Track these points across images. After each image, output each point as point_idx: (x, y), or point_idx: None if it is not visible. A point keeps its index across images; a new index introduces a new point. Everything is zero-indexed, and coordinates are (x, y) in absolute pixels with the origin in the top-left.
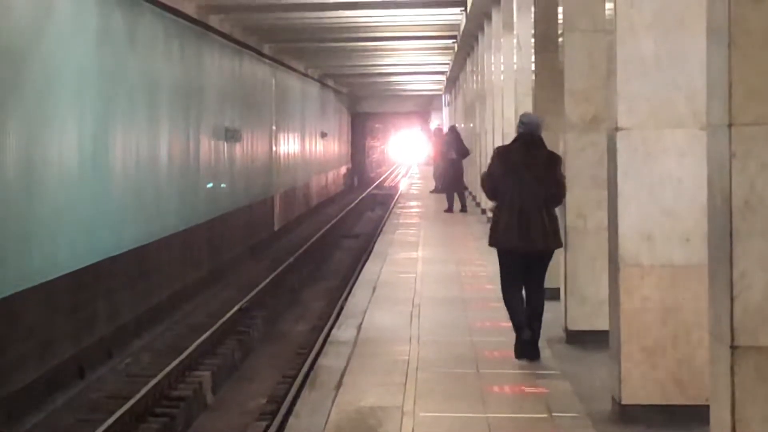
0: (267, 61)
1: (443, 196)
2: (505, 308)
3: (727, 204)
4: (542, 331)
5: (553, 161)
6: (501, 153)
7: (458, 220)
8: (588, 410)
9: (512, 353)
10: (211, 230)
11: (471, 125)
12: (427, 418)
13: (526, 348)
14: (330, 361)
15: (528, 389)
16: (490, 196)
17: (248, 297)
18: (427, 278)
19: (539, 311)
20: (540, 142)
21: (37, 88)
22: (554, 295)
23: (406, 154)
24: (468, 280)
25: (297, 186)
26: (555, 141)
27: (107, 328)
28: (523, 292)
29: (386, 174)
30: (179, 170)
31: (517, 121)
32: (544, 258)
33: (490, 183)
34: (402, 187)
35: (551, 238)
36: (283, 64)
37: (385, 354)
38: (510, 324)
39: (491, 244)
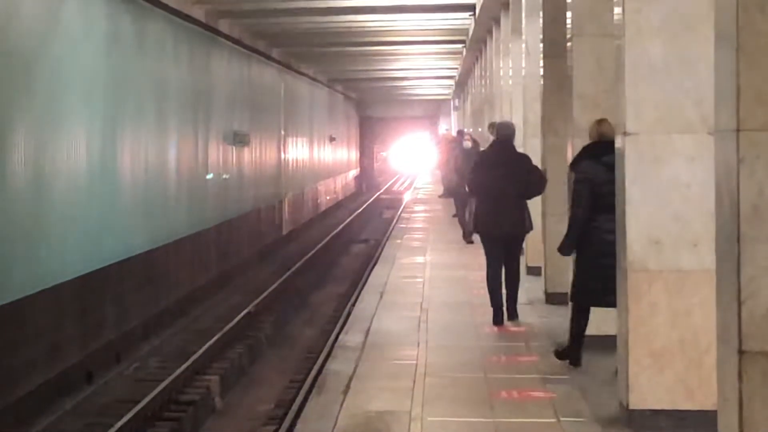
0: (276, 65)
1: (451, 201)
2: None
3: (735, 209)
4: (550, 335)
5: (523, 160)
6: (482, 156)
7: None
8: (596, 415)
9: (520, 358)
10: (218, 235)
11: (479, 130)
12: (434, 422)
13: (501, 317)
14: (338, 365)
15: (536, 394)
16: (474, 192)
17: (256, 301)
18: (434, 283)
19: (516, 281)
20: (512, 146)
21: (46, 92)
22: (563, 299)
23: (413, 162)
24: (476, 285)
25: (305, 190)
26: (563, 146)
27: (115, 332)
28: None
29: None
30: (187, 174)
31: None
32: (516, 240)
33: (474, 181)
34: (406, 200)
35: (520, 224)
36: (291, 68)
37: (392, 359)
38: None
39: (475, 230)
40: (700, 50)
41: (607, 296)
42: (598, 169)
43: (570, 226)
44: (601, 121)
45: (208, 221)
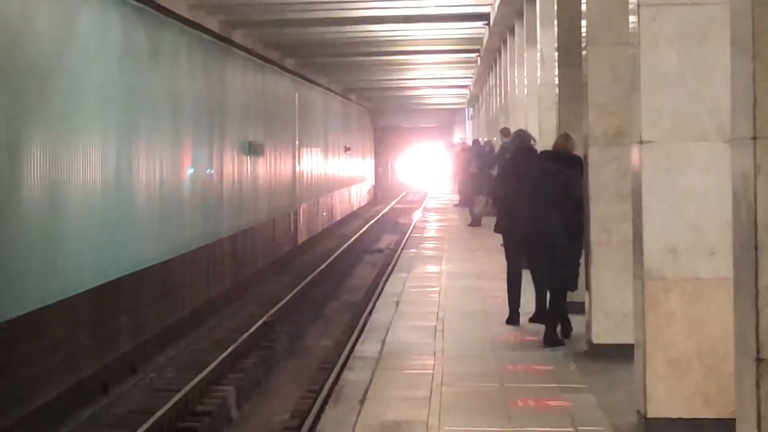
0: (290, 75)
1: (467, 210)
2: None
3: (751, 217)
4: (567, 344)
5: None
6: (510, 162)
7: (481, 234)
8: (613, 424)
9: (536, 366)
10: (234, 245)
11: (495, 139)
12: None
13: (516, 319)
14: (354, 375)
15: (552, 403)
16: (500, 197)
17: (271, 312)
18: (450, 292)
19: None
20: (535, 151)
21: (61, 104)
22: (579, 308)
23: (424, 174)
24: (491, 294)
25: (320, 200)
26: (579, 155)
27: (130, 343)
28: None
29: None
30: (202, 184)
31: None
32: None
33: (502, 186)
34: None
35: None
36: (305, 78)
37: (409, 368)
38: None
39: (495, 230)
40: (716, 58)
41: (554, 280)
42: (537, 172)
43: None
44: (559, 135)
45: (224, 231)
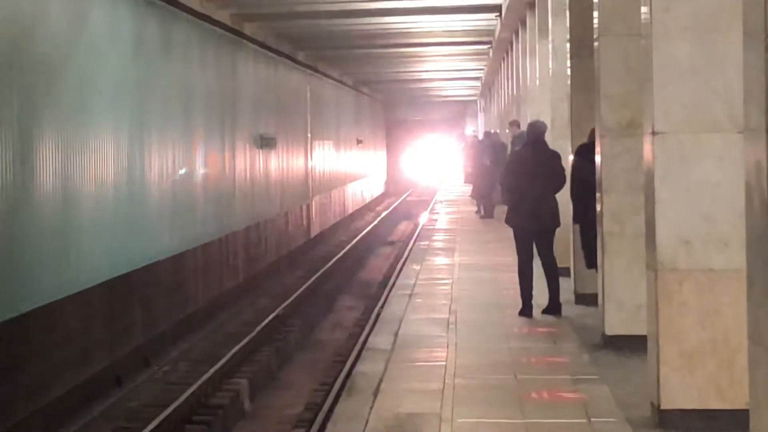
0: (301, 68)
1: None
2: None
3: (764, 208)
4: (580, 336)
5: (556, 158)
6: (518, 155)
7: (494, 226)
8: (627, 415)
9: (549, 358)
10: (247, 238)
11: (506, 131)
12: (465, 424)
13: (529, 311)
14: (367, 367)
15: (566, 395)
16: (509, 189)
17: (284, 304)
18: (463, 284)
19: (554, 278)
20: (545, 144)
21: (73, 99)
22: (592, 300)
23: (433, 169)
24: (504, 286)
25: (333, 193)
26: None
27: (144, 336)
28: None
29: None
30: (214, 179)
31: (526, 127)
32: (547, 234)
33: (511, 179)
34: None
35: (550, 220)
36: (317, 71)
37: (422, 360)
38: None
39: (507, 222)
40: (728, 49)
41: (592, 259)
42: (584, 163)
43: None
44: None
45: (236, 225)
